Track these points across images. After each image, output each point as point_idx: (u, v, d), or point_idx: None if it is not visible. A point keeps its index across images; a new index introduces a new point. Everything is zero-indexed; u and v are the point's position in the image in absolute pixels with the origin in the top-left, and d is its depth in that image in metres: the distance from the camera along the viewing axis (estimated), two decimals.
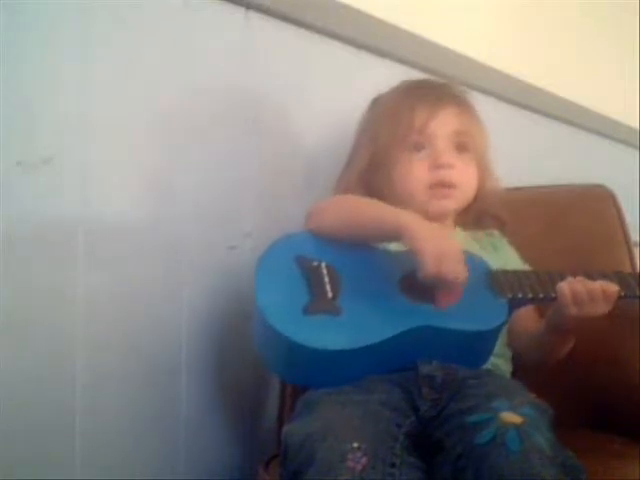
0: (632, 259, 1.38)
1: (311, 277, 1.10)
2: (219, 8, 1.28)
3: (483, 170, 1.29)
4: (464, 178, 1.25)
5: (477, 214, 1.30)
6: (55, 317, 1.07)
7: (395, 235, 1.09)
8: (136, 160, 1.18)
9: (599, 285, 1.08)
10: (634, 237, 1.43)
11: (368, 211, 1.17)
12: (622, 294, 1.10)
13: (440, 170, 1.23)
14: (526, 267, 1.28)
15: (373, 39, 1.55)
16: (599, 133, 2.39)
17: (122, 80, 1.15)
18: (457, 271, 1.05)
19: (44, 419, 1.06)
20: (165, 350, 1.22)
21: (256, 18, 1.34)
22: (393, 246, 1.19)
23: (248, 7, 1.32)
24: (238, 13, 1.31)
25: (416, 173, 1.23)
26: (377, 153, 1.26)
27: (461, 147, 1.25)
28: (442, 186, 1.24)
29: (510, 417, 0.92)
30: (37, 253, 1.05)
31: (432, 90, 1.30)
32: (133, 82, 1.17)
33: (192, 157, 1.25)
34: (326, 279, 1.10)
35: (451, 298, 1.08)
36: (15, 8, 1.02)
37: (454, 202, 1.26)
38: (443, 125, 1.25)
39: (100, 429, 1.13)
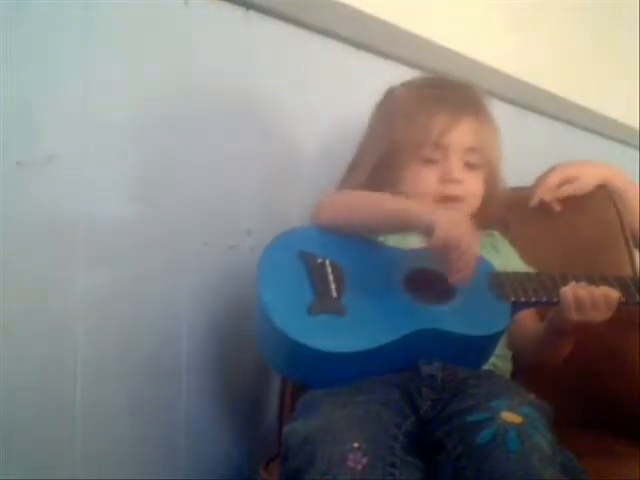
0: (632, 259, 1.38)
1: (315, 274, 1.09)
2: (219, 8, 1.28)
3: (494, 178, 1.29)
4: (471, 193, 1.26)
5: (482, 217, 1.30)
6: (55, 316, 1.07)
7: (405, 223, 1.11)
8: (136, 160, 1.18)
9: (601, 291, 1.09)
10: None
11: (379, 203, 1.17)
12: (623, 300, 1.10)
13: (450, 185, 1.23)
14: (527, 268, 1.28)
15: (373, 39, 1.55)
16: (599, 133, 2.39)
17: (122, 80, 1.15)
18: (468, 240, 1.05)
19: (44, 418, 1.06)
20: (165, 349, 1.22)
21: (256, 18, 1.34)
22: (391, 241, 1.19)
23: (248, 7, 1.32)
24: (238, 13, 1.31)
25: (425, 184, 1.23)
26: (388, 152, 1.25)
27: (472, 164, 1.25)
28: (449, 200, 1.24)
29: (510, 417, 0.92)
30: (37, 253, 1.05)
31: (452, 95, 1.28)
32: (133, 82, 1.17)
33: (192, 156, 1.25)
34: (330, 277, 1.09)
35: (465, 271, 1.06)
36: (15, 8, 1.02)
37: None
38: (459, 139, 1.24)
39: (100, 428, 1.13)
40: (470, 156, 1.25)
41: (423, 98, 1.27)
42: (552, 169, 1.43)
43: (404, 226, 1.12)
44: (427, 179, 1.23)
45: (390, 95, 1.31)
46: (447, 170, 1.23)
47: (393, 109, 1.29)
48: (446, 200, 1.23)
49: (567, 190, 1.41)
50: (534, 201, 1.42)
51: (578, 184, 1.41)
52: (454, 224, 1.05)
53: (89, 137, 1.11)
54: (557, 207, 1.41)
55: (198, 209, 1.26)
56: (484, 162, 1.27)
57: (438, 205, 1.22)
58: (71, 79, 1.09)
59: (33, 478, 1.04)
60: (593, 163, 1.45)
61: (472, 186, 1.26)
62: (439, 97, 1.27)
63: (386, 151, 1.25)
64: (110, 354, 1.14)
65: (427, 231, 1.06)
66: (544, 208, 1.42)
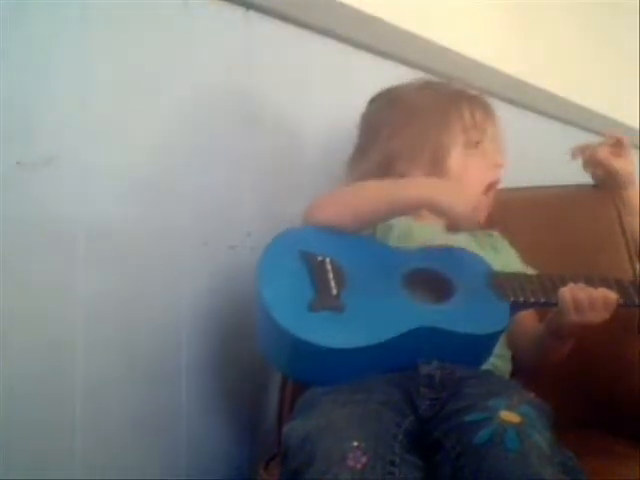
0: (632, 260, 1.38)
1: (315, 272, 1.09)
2: (219, 8, 1.29)
3: None
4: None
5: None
6: (55, 317, 1.07)
7: (415, 204, 1.14)
8: (136, 160, 1.18)
9: (600, 293, 1.09)
10: None
11: (379, 191, 1.17)
12: (621, 302, 1.10)
13: (499, 169, 1.28)
14: (526, 268, 1.28)
15: (373, 39, 1.55)
16: (599, 133, 2.39)
17: (122, 80, 1.15)
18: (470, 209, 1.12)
19: (44, 419, 1.06)
20: (165, 350, 1.22)
21: (256, 18, 1.34)
22: (393, 241, 1.19)
23: (248, 7, 1.32)
24: (238, 13, 1.32)
25: (476, 174, 1.26)
26: (433, 148, 1.26)
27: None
28: (492, 189, 1.28)
29: (509, 416, 0.92)
30: (37, 253, 1.05)
31: (471, 92, 1.32)
32: (133, 82, 1.17)
33: (192, 157, 1.25)
34: (330, 275, 1.09)
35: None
36: (16, 8, 1.02)
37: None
38: (497, 126, 1.29)
39: (100, 429, 1.13)
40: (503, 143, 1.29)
41: (457, 95, 1.30)
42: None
43: (405, 210, 1.16)
44: (477, 166, 1.26)
45: (396, 100, 1.32)
46: (496, 154, 1.28)
47: (412, 109, 1.29)
48: (492, 187, 1.27)
49: (617, 164, 1.38)
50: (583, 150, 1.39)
51: (627, 162, 1.39)
52: (458, 197, 1.12)
53: (89, 137, 1.11)
54: (599, 171, 1.39)
55: (198, 209, 1.26)
56: None
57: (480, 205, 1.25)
58: (71, 79, 1.09)
59: (33, 478, 1.04)
60: None
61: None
62: (468, 94, 1.31)
63: (430, 142, 1.26)
64: (110, 355, 1.14)
65: (433, 210, 1.12)
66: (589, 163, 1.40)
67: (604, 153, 1.37)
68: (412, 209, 1.17)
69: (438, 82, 1.37)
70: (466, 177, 1.26)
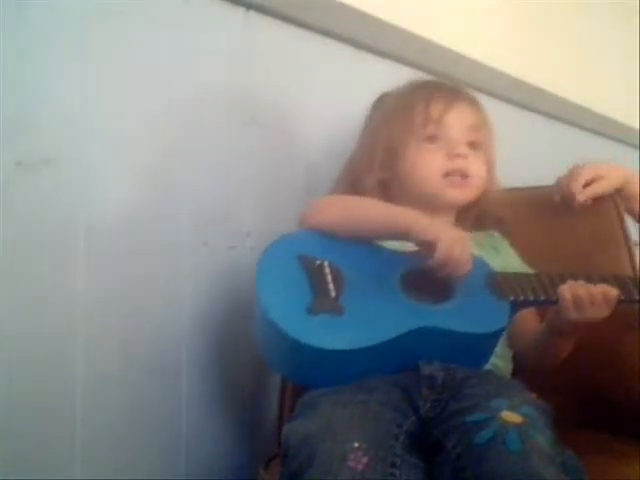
0: (632, 259, 1.38)
1: (314, 276, 1.10)
2: (219, 8, 1.29)
3: (489, 171, 1.29)
4: (477, 171, 1.25)
5: (477, 215, 1.30)
6: (55, 317, 1.07)
7: (403, 231, 1.10)
8: (136, 160, 1.18)
9: (600, 289, 1.08)
10: (634, 237, 1.43)
11: (373, 209, 1.17)
12: (621, 298, 1.10)
13: (456, 159, 1.23)
14: (527, 269, 1.28)
15: (373, 39, 1.55)
16: (599, 133, 2.39)
17: (122, 80, 1.15)
18: (466, 258, 1.07)
19: (44, 419, 1.06)
20: (165, 350, 1.22)
21: (256, 18, 1.34)
22: (391, 243, 1.18)
23: (248, 7, 1.32)
24: (238, 13, 1.32)
25: (430, 162, 1.23)
26: (388, 143, 1.26)
27: (474, 144, 1.26)
28: (457, 174, 1.24)
29: (510, 417, 0.92)
30: (37, 253, 1.05)
31: (446, 86, 1.31)
32: (133, 82, 1.17)
33: (192, 157, 1.25)
34: (329, 278, 1.10)
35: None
36: (16, 8, 1.02)
37: (468, 192, 1.26)
38: (459, 118, 1.25)
39: (100, 429, 1.13)
40: (472, 134, 1.26)
41: (418, 91, 1.28)
42: (580, 166, 1.39)
43: (402, 235, 1.11)
44: (432, 158, 1.23)
45: (382, 100, 1.33)
46: (452, 145, 1.24)
47: (387, 108, 1.30)
48: (454, 175, 1.23)
49: (598, 188, 1.37)
50: (563, 194, 1.38)
51: (607, 182, 1.38)
52: (456, 244, 1.06)
53: (89, 137, 1.11)
54: (589, 202, 1.37)
55: (198, 210, 1.26)
56: (484, 145, 1.27)
57: (446, 184, 1.23)
58: (71, 79, 1.09)
59: (33, 479, 1.04)
60: (613, 164, 1.43)
61: (476, 165, 1.25)
62: (434, 88, 1.29)
63: (386, 143, 1.25)
64: (110, 355, 1.14)
65: (427, 245, 1.07)
66: (567, 203, 1.38)
67: (578, 191, 1.36)
68: (399, 233, 1.13)
69: (419, 80, 1.34)
70: (419, 169, 1.24)
